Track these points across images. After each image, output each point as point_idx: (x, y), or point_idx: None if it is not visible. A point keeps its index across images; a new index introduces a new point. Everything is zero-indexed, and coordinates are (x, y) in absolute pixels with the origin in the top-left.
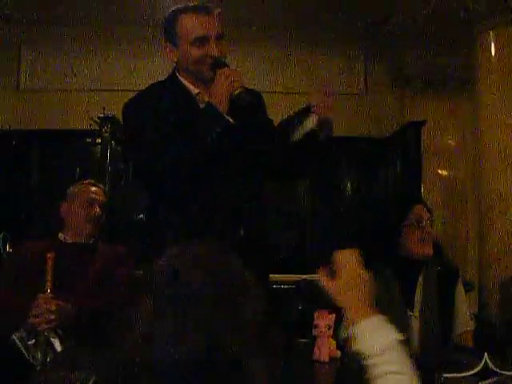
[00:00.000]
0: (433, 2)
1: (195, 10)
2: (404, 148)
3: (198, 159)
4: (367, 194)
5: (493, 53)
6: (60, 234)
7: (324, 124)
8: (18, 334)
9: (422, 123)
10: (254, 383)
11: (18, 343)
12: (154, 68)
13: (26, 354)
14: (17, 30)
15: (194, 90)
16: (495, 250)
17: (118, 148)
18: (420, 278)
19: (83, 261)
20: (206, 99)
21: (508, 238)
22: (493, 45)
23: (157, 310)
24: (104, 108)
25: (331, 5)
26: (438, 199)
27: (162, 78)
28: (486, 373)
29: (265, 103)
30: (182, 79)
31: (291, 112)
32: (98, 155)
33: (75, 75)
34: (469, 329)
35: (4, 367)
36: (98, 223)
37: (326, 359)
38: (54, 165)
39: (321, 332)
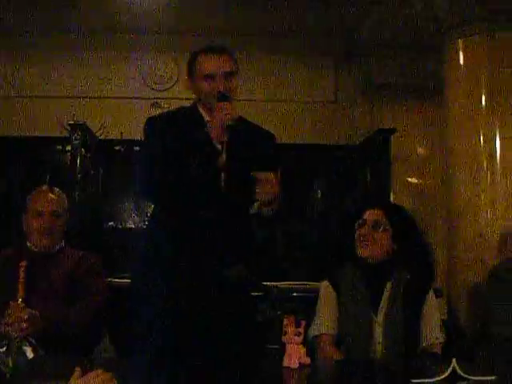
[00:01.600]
0: (403, 11)
1: (209, 50)
2: (373, 156)
3: (182, 181)
4: (336, 201)
5: (461, 62)
6: (28, 242)
7: (267, 205)
8: None
9: (392, 131)
10: None
11: None
12: (124, 75)
13: None
14: None
15: (207, 118)
16: (463, 256)
17: (88, 155)
18: (388, 285)
19: (48, 269)
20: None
21: (476, 244)
22: (461, 54)
23: None
24: (74, 115)
25: (301, 14)
26: (407, 206)
27: (131, 85)
28: (454, 378)
29: (273, 143)
30: (199, 107)
31: None
32: (68, 162)
33: (46, 82)
34: (437, 341)
35: None
36: (51, 233)
37: (296, 366)
38: (24, 171)
39: (290, 338)
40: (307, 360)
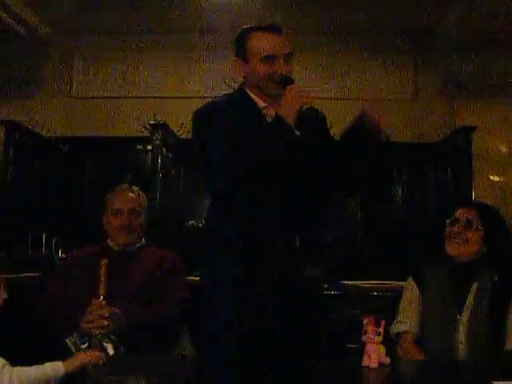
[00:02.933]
0: (484, 7)
1: (267, 29)
2: (455, 153)
3: (264, 168)
4: (418, 199)
5: None
6: (109, 241)
7: (373, 124)
8: (71, 339)
9: (473, 128)
10: None
11: (71, 347)
12: (203, 75)
13: None
14: (69, 39)
15: (261, 104)
16: None
17: (169, 155)
18: (474, 285)
19: (128, 267)
20: (272, 113)
21: None
22: None
23: None
24: (155, 115)
25: (381, 12)
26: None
27: (211, 84)
28: None
29: (327, 125)
30: (249, 93)
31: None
32: (149, 162)
33: (126, 83)
34: None
35: None
36: (131, 231)
37: (375, 365)
38: (106, 171)
39: (370, 338)
40: (387, 360)
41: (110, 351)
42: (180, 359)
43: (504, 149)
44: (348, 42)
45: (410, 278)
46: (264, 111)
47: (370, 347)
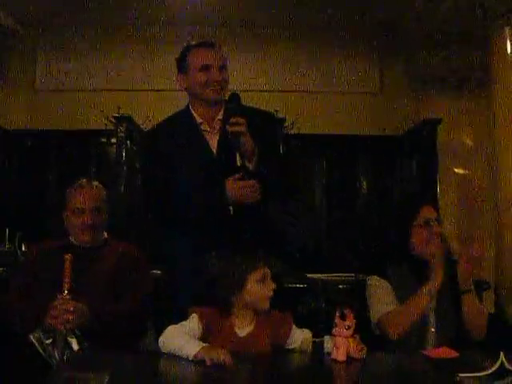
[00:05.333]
0: (449, 0)
1: (202, 44)
2: (419, 146)
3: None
4: (382, 192)
5: (508, 50)
6: (71, 237)
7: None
8: (35, 334)
9: (438, 121)
10: None
11: (35, 342)
12: (168, 68)
13: (43, 353)
14: (32, 32)
15: (199, 120)
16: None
17: (134, 147)
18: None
19: (92, 263)
20: (207, 128)
21: None
22: (508, 42)
23: None
24: (119, 108)
25: (347, 6)
26: (453, 198)
27: (175, 77)
28: (502, 372)
29: (273, 124)
30: (191, 109)
31: None
32: (114, 155)
33: (90, 76)
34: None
35: (21, 366)
36: (94, 229)
37: (343, 359)
38: (69, 164)
39: (339, 331)
40: (357, 354)
41: (75, 346)
42: (145, 355)
43: (469, 142)
44: (313, 35)
45: (376, 275)
46: (201, 126)
47: (338, 341)
